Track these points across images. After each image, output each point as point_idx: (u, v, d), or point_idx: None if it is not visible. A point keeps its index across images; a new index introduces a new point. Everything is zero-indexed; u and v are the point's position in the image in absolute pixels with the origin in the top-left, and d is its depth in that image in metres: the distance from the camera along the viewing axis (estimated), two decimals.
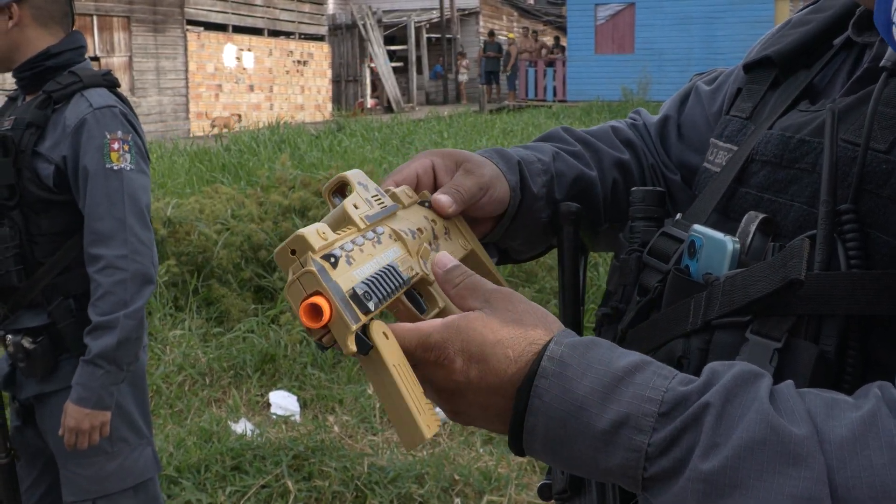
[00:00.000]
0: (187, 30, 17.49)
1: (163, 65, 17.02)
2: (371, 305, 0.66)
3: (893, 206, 0.70)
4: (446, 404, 0.71)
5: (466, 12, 27.35)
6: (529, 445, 0.68)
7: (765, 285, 0.71)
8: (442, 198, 0.87)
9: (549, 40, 26.34)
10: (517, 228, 0.99)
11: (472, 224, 0.93)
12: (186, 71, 17.53)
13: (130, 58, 16.36)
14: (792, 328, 0.71)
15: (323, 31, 22.39)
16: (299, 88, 20.97)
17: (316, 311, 0.63)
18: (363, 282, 0.67)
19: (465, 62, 26.19)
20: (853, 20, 0.87)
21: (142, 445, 2.26)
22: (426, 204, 0.88)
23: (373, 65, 23.08)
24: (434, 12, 25.94)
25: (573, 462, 0.66)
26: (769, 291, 0.71)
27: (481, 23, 27.56)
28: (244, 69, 19.08)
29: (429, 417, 0.66)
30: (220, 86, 18.39)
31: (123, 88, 2.36)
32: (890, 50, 0.75)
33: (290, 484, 3.29)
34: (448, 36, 26.14)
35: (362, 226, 0.73)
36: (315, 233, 0.67)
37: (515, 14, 29.75)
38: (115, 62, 15.90)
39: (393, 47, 25.09)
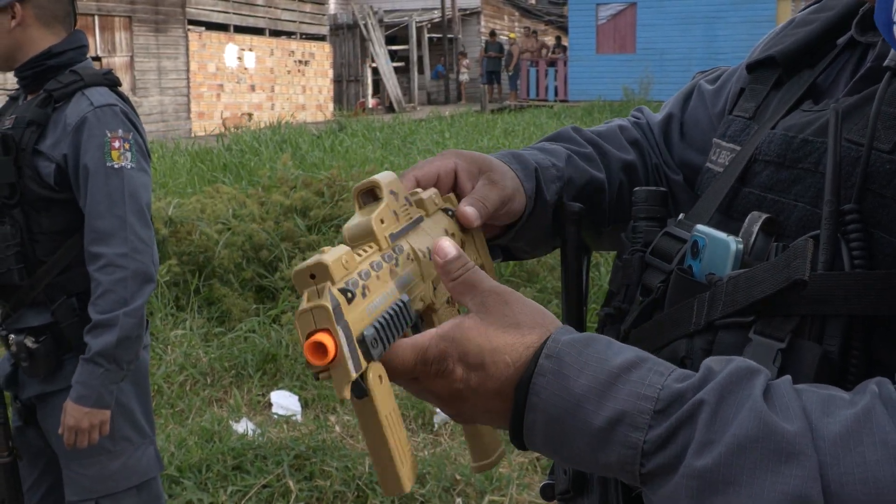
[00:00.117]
0: (189, 30, 17.50)
1: (164, 65, 17.03)
2: (375, 354, 0.66)
3: None
4: (449, 409, 0.72)
5: (468, 12, 27.36)
6: (530, 441, 0.68)
7: (768, 285, 0.71)
8: (469, 210, 0.87)
9: (550, 40, 26.35)
10: (524, 232, 0.99)
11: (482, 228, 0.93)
12: (188, 71, 17.54)
13: (132, 58, 16.37)
14: (795, 328, 0.71)
15: (324, 30, 22.39)
16: (301, 88, 20.97)
17: (321, 349, 0.63)
18: (373, 324, 0.67)
19: (465, 62, 26.20)
20: (856, 20, 0.87)
21: (144, 444, 2.26)
22: (450, 213, 0.87)
23: (374, 65, 23.09)
24: (435, 12, 25.94)
25: (573, 457, 0.67)
26: (773, 292, 0.71)
27: (483, 23, 27.56)
28: (245, 69, 19.08)
29: (409, 469, 0.67)
30: (221, 86, 18.40)
31: (125, 88, 2.36)
32: (893, 50, 0.75)
33: (291, 484, 3.29)
34: (449, 36, 26.14)
35: (384, 245, 0.73)
36: (339, 262, 0.66)
37: (517, 14, 29.75)
38: (117, 62, 15.91)
39: (394, 47, 25.09)
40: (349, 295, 0.65)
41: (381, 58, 23.03)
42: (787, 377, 0.65)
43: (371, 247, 0.72)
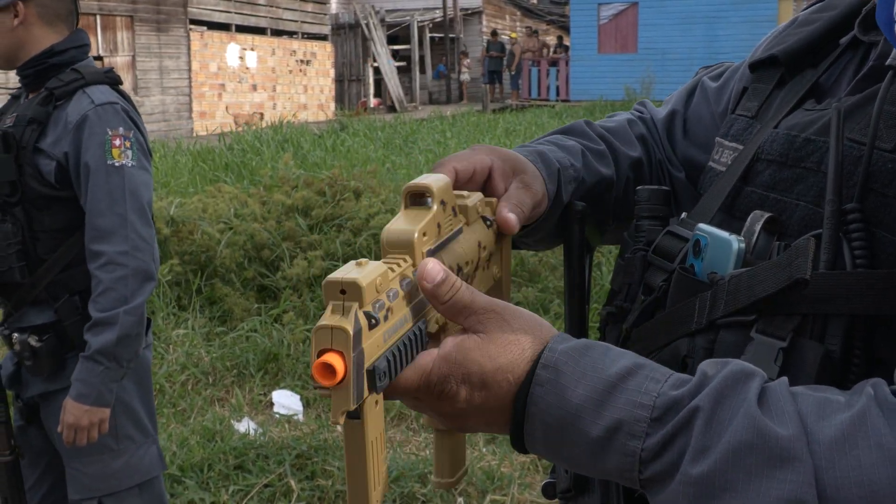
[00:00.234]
0: (190, 29, 17.50)
1: (166, 64, 17.04)
2: (379, 387, 0.65)
3: None
4: (451, 424, 0.73)
5: (469, 12, 27.35)
6: (531, 447, 0.69)
7: (770, 284, 0.71)
8: (511, 217, 0.86)
9: (552, 40, 26.34)
10: (534, 232, 0.99)
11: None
12: (189, 70, 17.55)
13: (134, 57, 16.37)
14: (797, 327, 0.71)
15: (326, 30, 22.39)
16: (302, 88, 20.97)
17: (330, 371, 0.62)
18: (386, 356, 0.65)
19: (466, 61, 26.18)
20: (859, 19, 0.87)
21: (147, 443, 2.26)
22: (487, 222, 0.85)
23: (376, 64, 23.09)
24: (437, 12, 25.93)
25: (572, 463, 0.68)
26: (774, 291, 0.71)
27: (484, 22, 27.55)
28: (247, 68, 19.08)
29: (379, 493, 0.67)
30: (223, 85, 18.41)
31: (127, 88, 2.37)
32: (895, 48, 0.75)
33: (293, 483, 3.29)
34: (451, 35, 26.13)
35: (419, 262, 0.71)
36: (373, 284, 0.64)
37: (518, 13, 29.74)
38: (119, 61, 15.92)
39: (396, 47, 25.09)
40: (373, 321, 0.63)
41: (383, 57, 23.03)
42: (784, 379, 0.65)
43: (405, 260, 0.70)
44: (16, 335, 2.15)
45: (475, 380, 0.68)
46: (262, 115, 18.48)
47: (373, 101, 23.16)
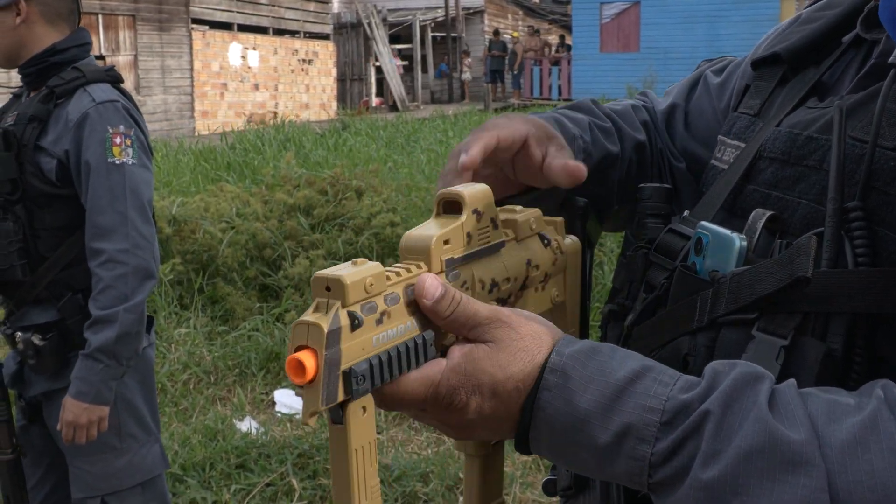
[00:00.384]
0: (192, 28, 17.51)
1: (168, 63, 17.05)
2: (358, 391, 0.62)
3: None
4: (456, 434, 0.71)
5: (471, 11, 27.34)
6: (535, 450, 0.69)
7: (772, 283, 0.71)
8: (580, 165, 0.85)
9: (554, 39, 26.32)
10: (539, 202, 0.98)
11: (500, 184, 0.91)
12: (191, 70, 17.55)
13: (136, 56, 16.38)
14: (799, 326, 0.71)
15: (328, 29, 22.39)
16: (304, 87, 20.98)
17: (301, 369, 0.60)
18: (370, 359, 0.63)
19: (468, 61, 26.17)
20: (862, 17, 0.87)
21: (150, 442, 2.27)
22: (546, 241, 0.82)
23: (378, 63, 23.09)
24: (439, 11, 25.92)
25: (579, 467, 0.68)
26: (776, 289, 0.70)
27: (486, 21, 27.54)
28: (249, 68, 19.09)
29: None
30: (225, 84, 18.41)
31: (128, 87, 2.37)
32: None
33: (294, 482, 3.29)
34: (453, 35, 26.13)
35: (436, 269, 0.69)
36: (360, 283, 0.62)
37: (520, 13, 29.73)
38: (121, 61, 15.93)
39: (398, 46, 25.09)
40: (356, 322, 0.62)
41: (385, 57, 23.03)
42: (792, 381, 0.64)
43: (420, 266, 0.69)
44: (19, 334, 2.15)
45: (486, 390, 0.67)
46: (275, 113, 18.52)
47: (375, 101, 23.16)
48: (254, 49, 19.23)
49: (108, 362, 2.06)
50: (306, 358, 0.60)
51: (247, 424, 3.88)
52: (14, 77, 2.26)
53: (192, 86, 17.58)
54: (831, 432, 0.59)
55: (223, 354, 4.63)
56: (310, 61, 21.17)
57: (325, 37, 22.15)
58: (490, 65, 23.90)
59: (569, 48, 23.17)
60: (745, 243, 0.77)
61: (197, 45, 17.63)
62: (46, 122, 2.11)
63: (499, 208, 0.80)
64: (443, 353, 0.69)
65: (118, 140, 2.09)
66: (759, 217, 0.79)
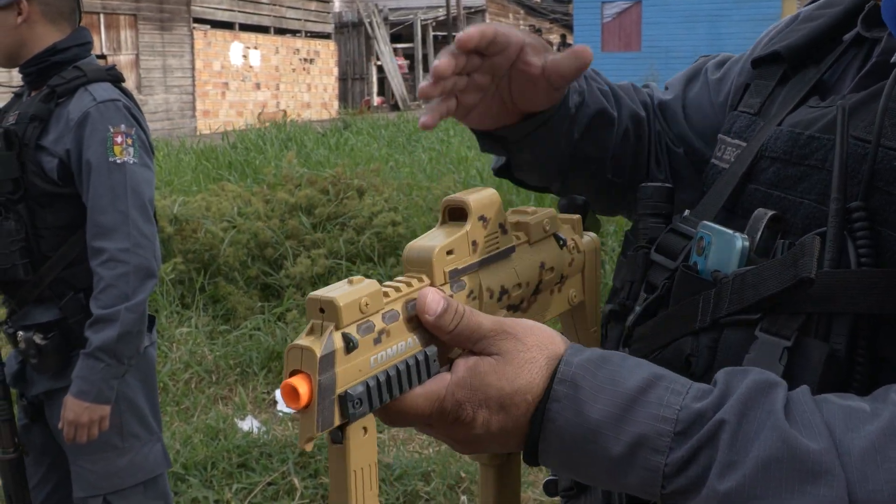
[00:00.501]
0: (194, 28, 17.52)
1: (169, 63, 17.05)
2: (355, 414, 0.61)
3: None
4: (464, 449, 0.70)
5: (473, 10, 27.34)
6: (544, 462, 0.67)
7: (775, 283, 0.71)
8: (585, 47, 0.85)
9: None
10: (534, 141, 0.98)
11: (496, 110, 0.91)
12: (193, 69, 17.56)
13: (137, 56, 16.39)
14: (802, 326, 0.70)
15: (329, 29, 22.40)
16: (306, 86, 20.98)
17: (295, 394, 0.59)
18: (367, 381, 0.61)
19: None
20: (862, 15, 0.87)
21: (152, 441, 2.27)
22: (561, 242, 0.79)
23: (379, 63, 23.09)
24: (440, 10, 25.92)
25: (591, 479, 0.66)
26: (780, 290, 0.70)
27: (488, 21, 27.53)
28: (251, 67, 19.10)
29: None
30: (226, 84, 18.42)
31: (130, 86, 2.37)
32: None
33: (296, 481, 3.29)
34: (454, 34, 26.08)
35: (439, 281, 0.67)
36: (354, 304, 0.60)
37: (522, 12, 29.72)
38: (122, 60, 15.94)
39: (399, 45, 25.09)
40: (350, 344, 0.60)
41: (386, 56, 23.03)
42: (805, 388, 0.64)
43: (422, 279, 0.67)
44: (21, 333, 2.15)
45: (493, 404, 0.65)
46: (285, 111, 18.55)
47: (376, 100, 23.16)
48: (255, 48, 19.24)
49: (109, 361, 2.06)
50: (300, 384, 0.58)
51: (248, 423, 3.88)
52: (15, 76, 2.26)
53: (194, 85, 17.59)
54: (850, 440, 0.59)
55: (225, 354, 4.63)
56: (311, 60, 21.17)
57: (326, 36, 22.15)
58: None
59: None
60: (747, 243, 0.77)
61: (198, 45, 17.64)
62: (48, 121, 2.11)
63: (510, 210, 0.78)
64: (448, 366, 0.68)
65: (119, 139, 2.09)
66: (761, 217, 0.79)
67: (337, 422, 0.60)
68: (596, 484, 0.67)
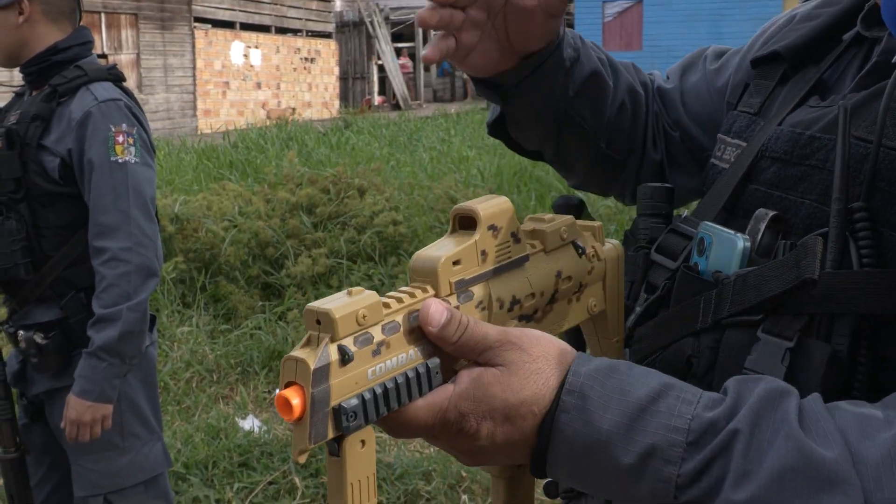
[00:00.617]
0: (195, 27, 17.52)
1: (170, 62, 17.05)
2: (349, 427, 0.60)
3: None
4: (471, 461, 0.69)
5: None
6: (552, 474, 0.67)
7: (777, 284, 0.71)
8: None
9: None
10: (530, 88, 0.98)
11: (496, 53, 0.92)
12: (194, 68, 17.56)
13: (138, 55, 16.39)
14: (804, 327, 0.70)
15: (330, 28, 22.39)
16: (307, 85, 20.98)
17: (289, 405, 0.58)
18: (362, 394, 0.60)
19: None
20: (862, 14, 0.87)
21: (152, 441, 2.27)
22: (580, 250, 0.77)
23: (380, 62, 23.09)
24: None
25: (600, 490, 0.65)
26: (782, 291, 0.70)
27: None
28: (252, 66, 19.09)
29: None
30: (227, 83, 18.42)
31: (131, 86, 2.37)
32: None
33: (297, 480, 3.29)
34: None
35: (444, 291, 0.66)
36: (351, 317, 0.60)
37: None
38: (123, 59, 15.94)
39: (400, 44, 25.08)
40: (346, 357, 0.59)
41: (388, 55, 23.03)
42: (817, 395, 0.63)
43: (426, 290, 0.66)
44: (21, 332, 2.15)
45: (498, 415, 0.64)
46: (294, 109, 18.57)
47: (377, 99, 23.16)
48: (256, 47, 19.23)
49: (111, 360, 2.06)
50: (293, 396, 0.58)
51: (249, 423, 3.88)
52: (16, 76, 2.26)
53: (195, 84, 17.59)
54: (865, 449, 0.58)
55: (226, 353, 4.63)
56: (312, 60, 21.17)
57: (327, 35, 22.15)
58: None
59: None
60: (748, 244, 0.77)
61: (199, 44, 17.64)
62: (49, 120, 2.11)
63: (528, 217, 0.77)
64: (453, 378, 0.67)
65: (121, 139, 2.09)
66: (762, 217, 0.79)
67: (331, 434, 0.60)
68: (605, 495, 0.66)
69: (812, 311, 0.70)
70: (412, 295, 0.65)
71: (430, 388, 0.65)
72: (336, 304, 0.60)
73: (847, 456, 0.58)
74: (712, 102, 1.05)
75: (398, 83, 23.03)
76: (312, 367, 0.58)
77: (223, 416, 3.93)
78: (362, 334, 0.61)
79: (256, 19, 19.41)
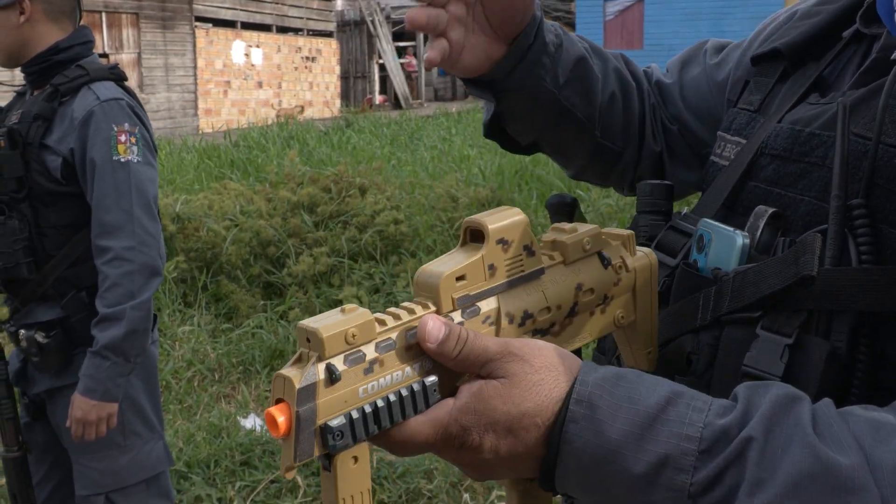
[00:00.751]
0: (196, 26, 17.52)
1: (171, 61, 17.06)
2: (336, 446, 0.59)
3: None
4: (476, 474, 0.68)
5: None
6: (562, 487, 0.66)
7: (776, 281, 0.71)
8: None
9: None
10: (520, 76, 0.98)
11: (481, 42, 0.94)
12: (195, 67, 17.56)
13: (139, 54, 16.40)
14: (803, 324, 0.70)
15: (331, 27, 22.39)
16: (308, 85, 20.98)
17: (276, 423, 0.58)
18: (348, 413, 0.60)
19: None
20: (861, 11, 0.87)
21: (154, 439, 2.27)
22: (605, 261, 0.74)
23: (381, 61, 23.08)
24: None
25: (610, 501, 0.64)
26: (781, 287, 0.70)
27: None
28: (252, 65, 19.10)
29: None
30: (228, 82, 18.42)
31: (132, 85, 2.37)
32: None
33: (299, 479, 3.30)
34: None
35: (446, 307, 0.65)
36: (339, 336, 0.59)
37: None
38: (124, 59, 15.94)
39: (401, 43, 25.07)
40: (334, 375, 0.59)
41: (389, 54, 23.02)
42: (829, 400, 0.63)
43: (426, 306, 0.65)
44: (22, 332, 2.16)
45: (500, 428, 0.63)
46: (302, 108, 18.58)
47: (378, 98, 23.16)
48: (257, 47, 19.24)
49: (115, 359, 2.07)
50: (279, 414, 0.58)
51: (251, 421, 3.88)
52: (17, 75, 2.26)
53: (196, 84, 17.59)
54: (880, 454, 0.58)
55: (227, 352, 4.64)
56: (313, 59, 21.17)
57: (328, 34, 22.15)
58: None
59: None
60: (747, 241, 0.77)
61: (200, 43, 17.64)
62: (51, 120, 2.11)
63: (551, 227, 0.75)
64: (453, 393, 0.66)
65: (123, 138, 2.09)
66: (762, 214, 0.79)
67: (317, 453, 0.60)
68: None
69: (811, 307, 0.70)
70: (412, 311, 0.64)
71: (427, 406, 0.63)
72: (326, 322, 0.60)
73: (863, 462, 0.57)
74: (712, 97, 1.06)
75: (399, 82, 23.03)
76: (298, 386, 0.58)
77: (225, 414, 3.93)
78: (353, 353, 0.60)
79: (258, 18, 19.42)
